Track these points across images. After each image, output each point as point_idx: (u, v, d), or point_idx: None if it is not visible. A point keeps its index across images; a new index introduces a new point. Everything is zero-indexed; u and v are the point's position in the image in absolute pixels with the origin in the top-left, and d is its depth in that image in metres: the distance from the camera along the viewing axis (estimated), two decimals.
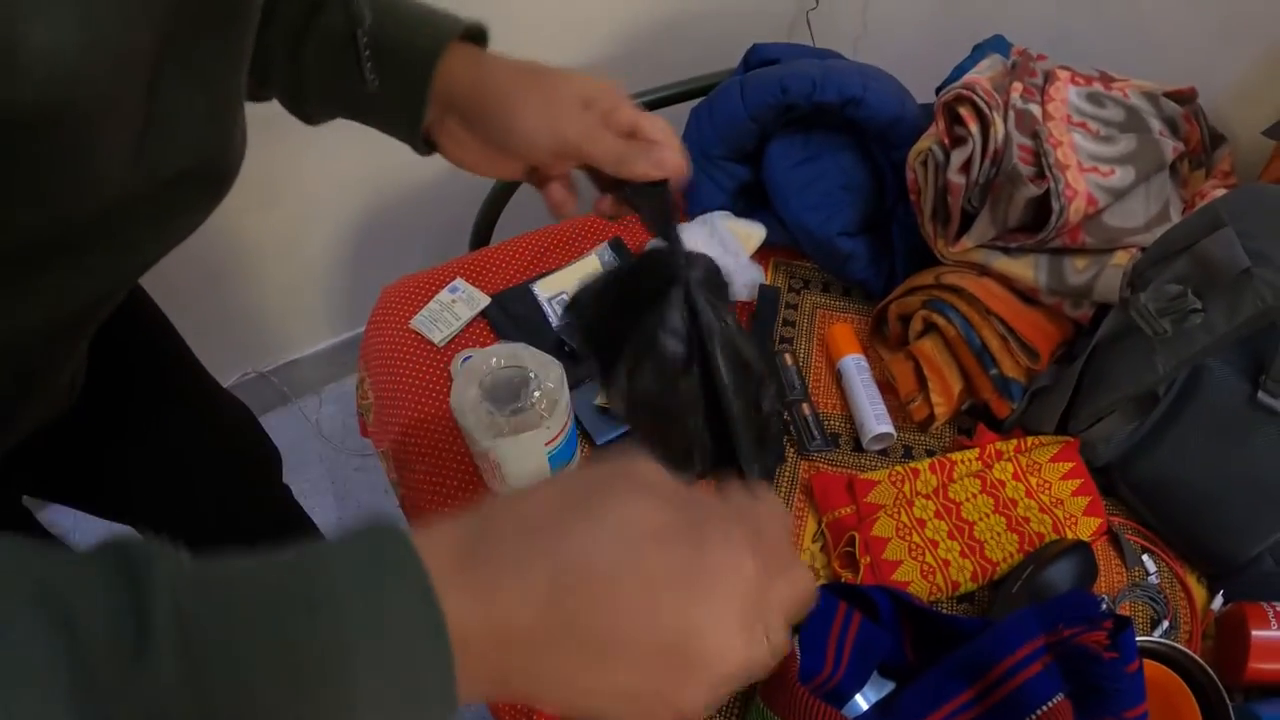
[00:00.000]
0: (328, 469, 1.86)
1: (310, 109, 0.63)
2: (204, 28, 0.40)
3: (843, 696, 0.76)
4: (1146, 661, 0.79)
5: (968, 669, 0.73)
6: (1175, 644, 0.80)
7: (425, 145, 0.62)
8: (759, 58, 1.25)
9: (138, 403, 0.82)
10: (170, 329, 0.88)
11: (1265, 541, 0.86)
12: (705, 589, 0.32)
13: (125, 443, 0.82)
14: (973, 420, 1.02)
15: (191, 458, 0.89)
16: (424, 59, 0.56)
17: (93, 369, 0.70)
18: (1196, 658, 0.79)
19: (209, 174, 0.48)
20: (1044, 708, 0.68)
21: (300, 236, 1.68)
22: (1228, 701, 0.77)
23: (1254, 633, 0.80)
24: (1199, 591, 0.90)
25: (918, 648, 0.80)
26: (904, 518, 0.89)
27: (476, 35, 0.60)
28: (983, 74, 1.08)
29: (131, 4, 0.34)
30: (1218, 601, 0.88)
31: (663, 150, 0.58)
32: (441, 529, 0.32)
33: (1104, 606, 0.74)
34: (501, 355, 0.85)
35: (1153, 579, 0.90)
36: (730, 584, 0.32)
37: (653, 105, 1.37)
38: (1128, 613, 0.88)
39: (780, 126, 1.18)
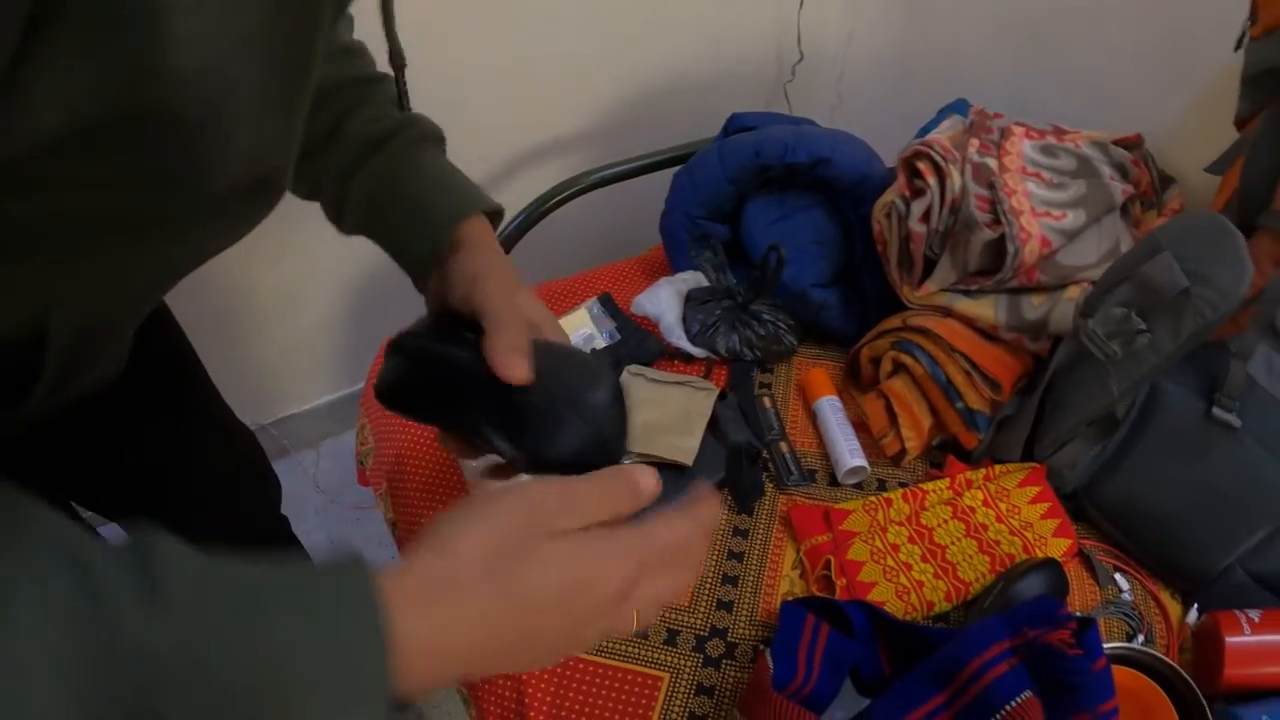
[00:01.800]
0: (324, 521, 1.89)
1: (345, 225, 0.75)
2: (289, 67, 0.48)
3: (817, 705, 0.77)
4: (1123, 669, 0.81)
5: (938, 675, 0.74)
6: (1149, 650, 0.82)
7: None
8: (737, 125, 1.33)
9: (159, 401, 0.87)
10: (191, 348, 0.94)
11: (1234, 553, 0.87)
12: (579, 615, 0.45)
13: (144, 435, 0.87)
14: (943, 455, 1.05)
15: (200, 467, 0.94)
16: (446, 224, 0.68)
17: (128, 364, 0.77)
18: (1171, 663, 0.80)
19: (275, 182, 0.57)
20: (1012, 704, 0.70)
21: (302, 294, 1.73)
22: (1205, 704, 0.78)
23: (1228, 639, 0.81)
24: (1173, 606, 0.91)
25: (893, 661, 0.81)
26: (878, 543, 0.92)
27: (493, 214, 0.71)
28: (943, 133, 1.15)
29: (243, 40, 0.42)
30: (1192, 615, 0.89)
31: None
32: (404, 573, 0.42)
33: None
34: None
35: (1126, 596, 0.91)
36: (596, 601, 0.45)
37: (639, 172, 1.46)
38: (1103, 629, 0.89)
39: (756, 188, 1.25)
